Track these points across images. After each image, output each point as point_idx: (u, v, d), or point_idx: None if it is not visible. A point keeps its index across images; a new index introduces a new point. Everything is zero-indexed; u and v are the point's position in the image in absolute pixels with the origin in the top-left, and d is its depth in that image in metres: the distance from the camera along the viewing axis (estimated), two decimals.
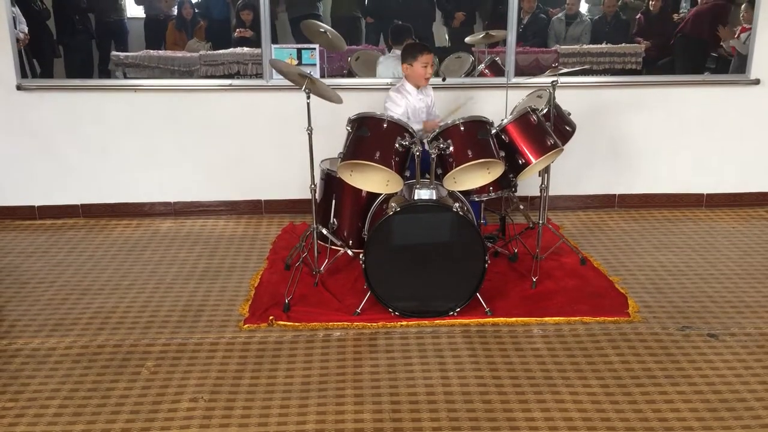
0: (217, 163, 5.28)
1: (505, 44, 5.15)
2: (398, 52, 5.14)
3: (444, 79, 5.01)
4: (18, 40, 5.03)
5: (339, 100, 4.01)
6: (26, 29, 5.09)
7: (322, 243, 4.18)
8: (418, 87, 4.42)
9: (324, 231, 4.14)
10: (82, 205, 5.32)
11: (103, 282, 4.25)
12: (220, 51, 5.39)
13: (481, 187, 3.91)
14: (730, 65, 5.42)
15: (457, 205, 3.65)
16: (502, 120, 3.96)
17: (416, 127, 4.30)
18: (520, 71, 5.23)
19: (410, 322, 3.68)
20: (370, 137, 3.69)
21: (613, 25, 5.62)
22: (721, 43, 5.43)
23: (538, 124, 3.95)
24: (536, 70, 5.31)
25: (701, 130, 5.38)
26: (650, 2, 5.50)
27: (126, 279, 4.29)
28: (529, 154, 3.87)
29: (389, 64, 5.30)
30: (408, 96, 4.39)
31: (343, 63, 5.49)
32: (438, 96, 4.73)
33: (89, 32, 5.44)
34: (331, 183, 4.24)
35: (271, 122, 5.19)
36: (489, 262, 3.68)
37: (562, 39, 5.58)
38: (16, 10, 5.01)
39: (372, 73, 5.43)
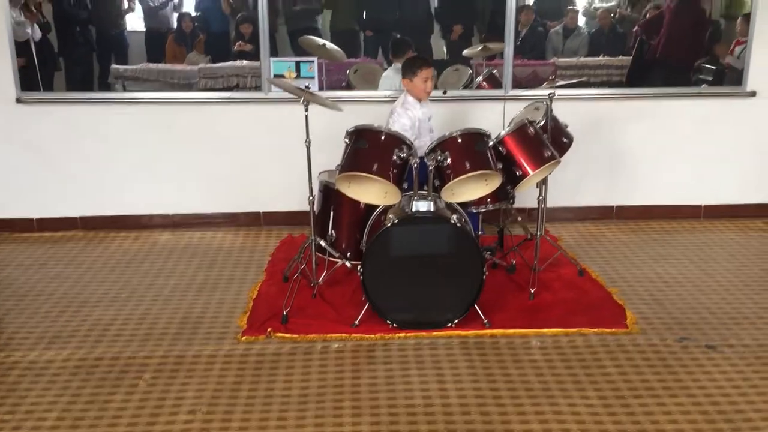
0: (215, 175, 5.29)
1: (503, 57, 5.17)
2: (399, 65, 5.17)
3: (445, 92, 5.03)
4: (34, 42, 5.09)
5: (338, 109, 4.02)
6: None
7: (320, 255, 4.19)
8: (420, 100, 4.42)
9: (322, 243, 4.15)
10: (80, 217, 5.33)
11: (102, 294, 4.25)
12: (220, 64, 5.42)
13: (478, 199, 3.92)
14: (724, 77, 5.45)
15: (455, 216, 3.66)
16: (500, 132, 3.97)
17: (425, 140, 4.28)
18: (518, 84, 5.26)
19: (408, 334, 3.68)
20: (368, 149, 3.70)
21: (611, 37, 5.65)
22: (720, 60, 5.47)
23: (536, 135, 3.96)
24: (534, 82, 5.33)
25: (699, 142, 5.40)
26: (647, 15, 5.53)
27: (124, 291, 4.29)
28: (526, 166, 3.88)
29: (391, 77, 5.32)
30: (412, 110, 4.39)
31: (342, 76, 5.52)
32: (437, 108, 4.73)
33: (90, 45, 5.48)
34: (329, 195, 4.25)
35: (270, 134, 5.21)
36: (487, 273, 3.68)
37: (559, 52, 5.61)
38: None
39: (370, 85, 5.46)
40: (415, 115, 4.37)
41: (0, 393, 3.19)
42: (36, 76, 5.11)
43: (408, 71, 4.37)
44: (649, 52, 5.53)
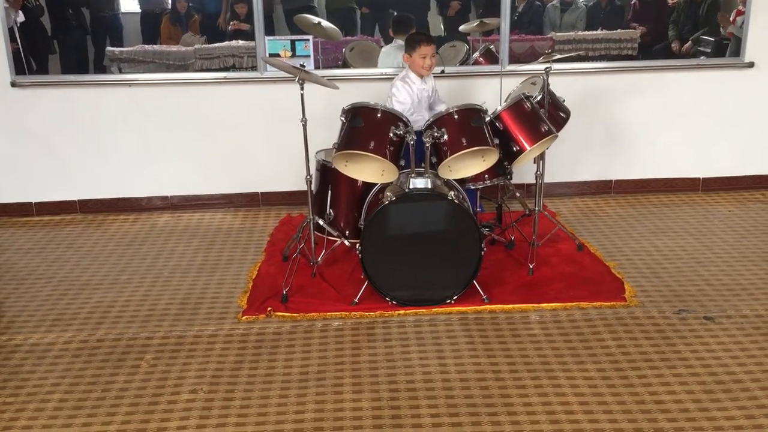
0: (213, 156, 5.28)
1: (500, 32, 5.14)
2: (400, 42, 5.14)
3: (443, 72, 5.00)
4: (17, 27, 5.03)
5: (334, 87, 4.00)
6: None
7: (318, 234, 4.19)
8: (420, 76, 4.40)
9: (320, 222, 4.15)
10: (79, 200, 5.33)
11: (102, 277, 4.26)
12: (215, 44, 5.39)
13: (476, 175, 3.91)
14: (727, 49, 5.40)
15: (452, 193, 3.66)
16: (497, 107, 3.96)
17: (425, 115, 4.27)
18: (515, 59, 5.22)
19: (408, 311, 3.69)
20: (365, 127, 3.69)
21: (608, 11, 5.60)
22: (721, 30, 5.42)
23: (532, 110, 3.95)
24: (532, 57, 5.30)
25: (696, 115, 5.38)
26: None
27: (124, 273, 4.30)
28: (523, 141, 3.88)
29: (391, 54, 5.28)
30: (412, 85, 4.36)
31: (338, 54, 5.49)
32: (438, 85, 4.71)
33: (84, 28, 5.44)
34: (326, 174, 4.25)
35: (267, 114, 5.19)
36: (485, 249, 3.69)
37: (557, 26, 5.57)
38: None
39: (367, 63, 5.42)
40: (415, 90, 4.35)
41: (2, 376, 3.21)
42: (22, 61, 5.07)
43: (408, 46, 4.36)
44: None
